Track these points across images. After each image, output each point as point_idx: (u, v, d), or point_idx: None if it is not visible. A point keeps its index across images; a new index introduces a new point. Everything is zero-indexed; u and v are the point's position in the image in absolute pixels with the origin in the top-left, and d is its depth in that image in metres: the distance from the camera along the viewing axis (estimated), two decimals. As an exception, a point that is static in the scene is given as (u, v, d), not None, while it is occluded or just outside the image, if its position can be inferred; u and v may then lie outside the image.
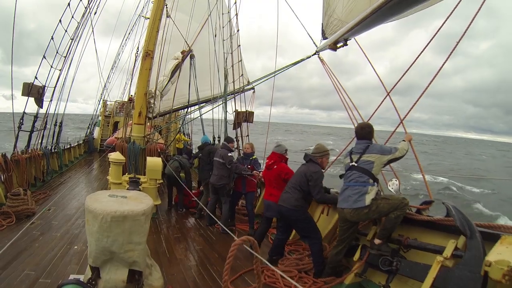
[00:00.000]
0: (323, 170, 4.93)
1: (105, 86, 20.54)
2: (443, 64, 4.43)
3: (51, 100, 10.50)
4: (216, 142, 11.63)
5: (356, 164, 4.19)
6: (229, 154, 6.69)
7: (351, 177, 4.19)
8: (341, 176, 4.45)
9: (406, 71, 4.98)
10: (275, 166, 5.51)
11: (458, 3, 3.99)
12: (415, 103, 4.78)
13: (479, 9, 3.79)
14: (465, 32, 4.04)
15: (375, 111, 5.57)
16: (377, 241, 4.09)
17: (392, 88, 5.06)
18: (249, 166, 6.81)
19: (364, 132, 4.36)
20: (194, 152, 9.61)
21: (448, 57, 4.32)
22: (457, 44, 4.17)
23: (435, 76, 4.49)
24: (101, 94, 20.42)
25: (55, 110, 11.45)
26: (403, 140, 4.34)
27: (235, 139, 10.00)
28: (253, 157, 7.10)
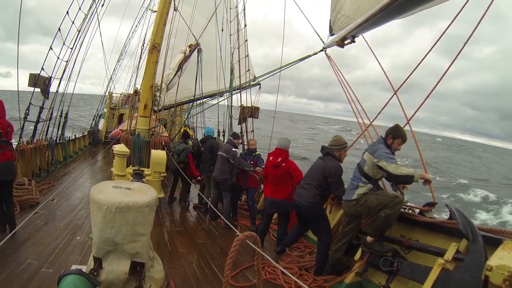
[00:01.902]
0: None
1: (111, 78, 20.60)
2: (448, 68, 4.38)
3: (57, 92, 10.54)
4: (221, 137, 11.60)
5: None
6: (233, 149, 6.69)
7: (354, 171, 4.33)
8: None
9: (413, 71, 4.93)
10: (283, 164, 5.42)
11: (463, 6, 3.95)
12: (421, 104, 4.70)
13: (484, 14, 3.75)
14: (470, 36, 3.98)
15: (381, 110, 5.53)
16: (369, 238, 4.12)
17: (400, 87, 5.02)
18: (251, 162, 6.81)
19: (386, 132, 4.21)
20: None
21: (454, 61, 4.27)
22: (462, 48, 4.11)
23: (441, 78, 4.43)
24: (107, 87, 20.49)
25: (62, 97, 11.49)
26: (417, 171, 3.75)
27: (240, 135, 10.03)
28: (256, 153, 7.10)
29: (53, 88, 10.23)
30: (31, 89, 9.32)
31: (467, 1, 3.85)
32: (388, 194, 4.03)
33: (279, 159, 5.46)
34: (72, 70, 11.10)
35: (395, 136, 4.12)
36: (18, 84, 8.23)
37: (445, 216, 3.87)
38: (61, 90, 11.15)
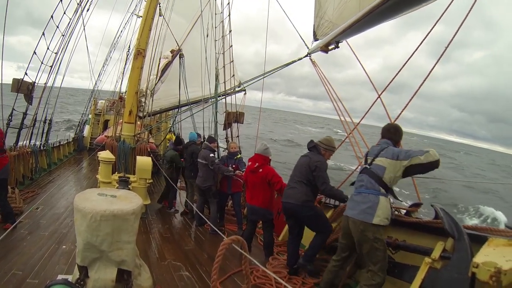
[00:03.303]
0: None
1: (95, 84, 20.42)
2: (432, 68, 4.47)
3: (41, 98, 10.38)
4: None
5: (368, 167, 3.73)
6: (211, 155, 6.67)
7: (362, 181, 3.72)
8: (352, 184, 3.97)
9: (397, 74, 5.01)
10: (261, 170, 5.34)
11: (447, 7, 4.02)
12: (404, 107, 4.82)
13: (469, 12, 3.82)
14: (452, 39, 4.06)
15: (366, 113, 5.61)
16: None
17: (383, 91, 5.09)
18: (233, 166, 6.80)
19: (388, 132, 3.85)
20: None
21: (438, 61, 4.33)
22: (446, 48, 4.19)
23: (424, 80, 4.52)
24: (92, 93, 20.27)
25: (47, 98, 11.29)
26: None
27: (225, 140, 10.04)
28: (238, 156, 7.09)
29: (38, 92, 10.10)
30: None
31: (450, 2, 3.93)
32: (384, 263, 3.53)
33: (256, 164, 5.40)
34: (56, 75, 10.93)
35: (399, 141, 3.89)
36: (2, 92, 8.10)
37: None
38: (46, 91, 10.95)
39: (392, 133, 3.84)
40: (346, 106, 5.83)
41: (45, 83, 10.25)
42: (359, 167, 4.13)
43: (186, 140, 8.58)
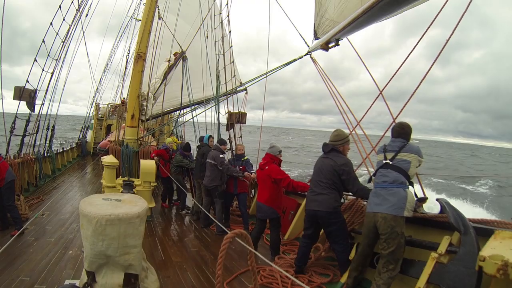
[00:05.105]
0: None
1: (97, 89, 20.47)
2: (430, 67, 4.43)
3: (42, 104, 10.43)
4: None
5: (390, 163, 3.76)
6: (221, 156, 6.68)
7: (387, 176, 3.72)
8: (372, 177, 4.02)
9: (397, 71, 4.97)
10: (267, 167, 5.39)
11: (441, 8, 4.01)
12: (406, 102, 4.76)
13: (466, 10, 3.81)
14: (450, 35, 4.02)
15: (368, 109, 5.58)
16: None
17: (385, 87, 5.07)
18: (240, 167, 6.82)
19: (403, 131, 3.88)
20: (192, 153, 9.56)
21: (435, 60, 4.28)
22: (443, 48, 4.15)
23: (423, 79, 4.46)
24: (94, 97, 20.34)
25: (47, 111, 11.34)
26: None
27: (227, 141, 10.04)
28: (245, 157, 7.11)
29: (39, 103, 10.16)
30: (21, 110, 9.27)
31: (445, 2, 3.91)
32: (400, 253, 3.57)
33: (264, 162, 5.50)
34: (57, 81, 10.98)
35: None
36: (3, 107, 8.16)
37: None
38: (49, 105, 11.04)
39: (406, 132, 3.90)
40: (344, 108, 5.78)
41: (46, 90, 10.29)
42: (376, 163, 4.07)
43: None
